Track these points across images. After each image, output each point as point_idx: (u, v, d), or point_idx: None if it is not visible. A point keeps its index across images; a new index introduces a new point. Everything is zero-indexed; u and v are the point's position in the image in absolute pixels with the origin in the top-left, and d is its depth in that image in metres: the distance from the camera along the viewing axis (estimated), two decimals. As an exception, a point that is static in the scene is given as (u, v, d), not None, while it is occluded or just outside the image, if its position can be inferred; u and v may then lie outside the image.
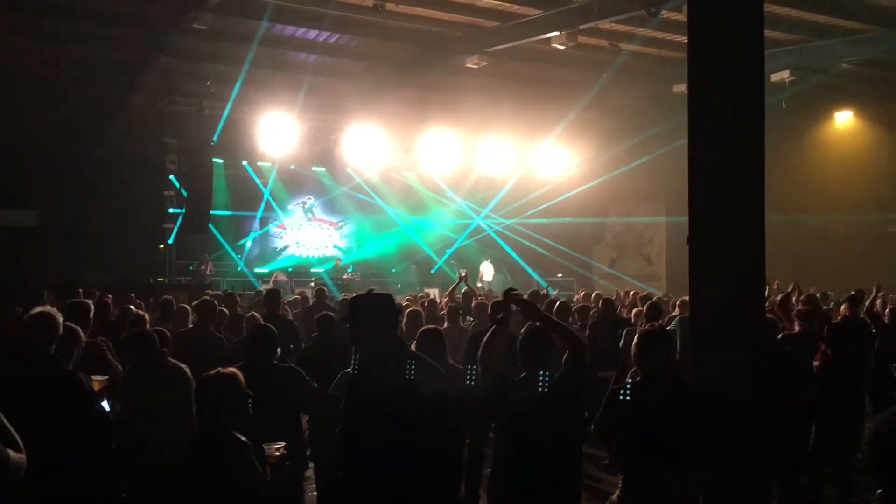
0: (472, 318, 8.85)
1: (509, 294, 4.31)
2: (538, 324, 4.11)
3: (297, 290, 18.75)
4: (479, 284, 20.11)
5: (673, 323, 8.51)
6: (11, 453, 2.84)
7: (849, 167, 19.78)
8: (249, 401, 3.47)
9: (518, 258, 24.04)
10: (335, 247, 24.86)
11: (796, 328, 6.89)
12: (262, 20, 14.84)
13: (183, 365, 5.23)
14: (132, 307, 8.38)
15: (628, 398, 3.97)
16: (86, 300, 6.63)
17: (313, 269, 23.19)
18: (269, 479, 3.49)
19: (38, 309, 4.39)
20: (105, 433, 4.36)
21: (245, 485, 3.30)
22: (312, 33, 16.04)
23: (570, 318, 8.69)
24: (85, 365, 4.71)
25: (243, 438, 3.39)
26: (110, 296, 11.11)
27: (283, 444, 3.65)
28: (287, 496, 3.88)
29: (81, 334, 4.78)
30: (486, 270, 22.13)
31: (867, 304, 9.01)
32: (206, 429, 3.44)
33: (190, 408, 3.91)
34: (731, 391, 4.17)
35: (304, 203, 24.67)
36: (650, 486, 3.81)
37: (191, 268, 20.65)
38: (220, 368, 3.53)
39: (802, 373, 5.86)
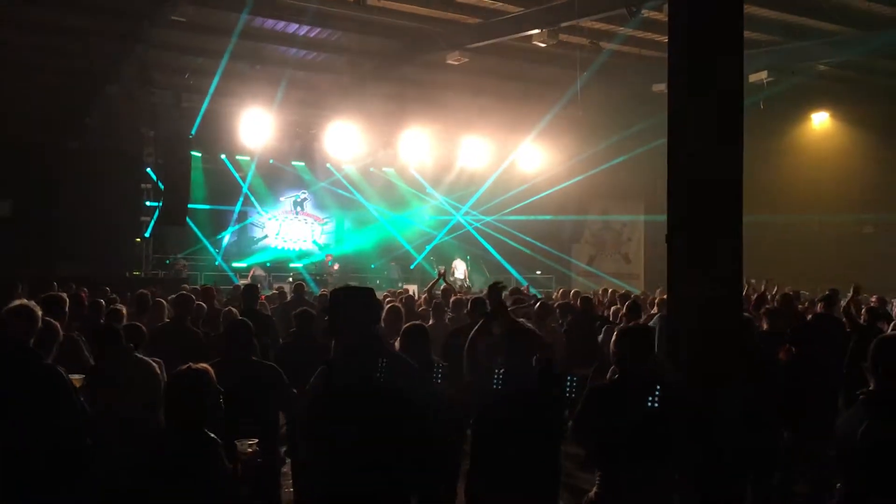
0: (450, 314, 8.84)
1: (496, 287, 4.32)
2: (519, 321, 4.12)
3: (276, 286, 18.66)
4: (451, 279, 20.13)
5: (653, 320, 8.55)
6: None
7: (825, 168, 20.01)
8: (220, 397, 3.44)
9: (497, 255, 24.08)
10: (314, 242, 24.74)
11: (764, 326, 6.95)
12: (243, 13, 14.74)
13: (153, 361, 5.18)
14: (102, 301, 8.27)
15: (606, 397, 3.99)
16: (61, 293, 6.55)
17: (292, 265, 23.07)
18: (241, 477, 3.45)
19: (17, 302, 4.34)
20: (84, 429, 4.31)
21: (213, 483, 3.26)
22: (293, 27, 15.95)
23: (550, 318, 8.72)
24: (60, 360, 4.65)
25: (213, 435, 3.35)
26: (85, 289, 10.99)
27: (255, 440, 3.61)
28: (258, 494, 3.84)
29: (59, 329, 4.73)
30: (459, 267, 22.14)
31: (844, 304, 9.11)
32: (175, 425, 3.40)
33: (157, 405, 3.88)
34: (708, 389, 4.20)
35: (297, 196, 24.57)
36: (627, 485, 3.83)
37: (168, 262, 20.49)
38: (190, 364, 3.50)
39: (773, 370, 5.92)
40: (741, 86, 4.45)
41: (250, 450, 3.54)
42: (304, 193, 24.57)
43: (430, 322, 8.01)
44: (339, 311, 3.72)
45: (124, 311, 7.17)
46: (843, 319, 8.24)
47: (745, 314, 6.46)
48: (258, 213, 23.87)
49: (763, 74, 16.53)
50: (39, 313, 4.25)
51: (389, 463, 3.43)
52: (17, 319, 4.14)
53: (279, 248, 23.98)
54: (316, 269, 22.15)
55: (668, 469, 3.87)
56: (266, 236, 24.09)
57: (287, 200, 24.50)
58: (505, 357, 4.16)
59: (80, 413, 4.26)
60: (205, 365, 3.52)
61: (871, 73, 17.57)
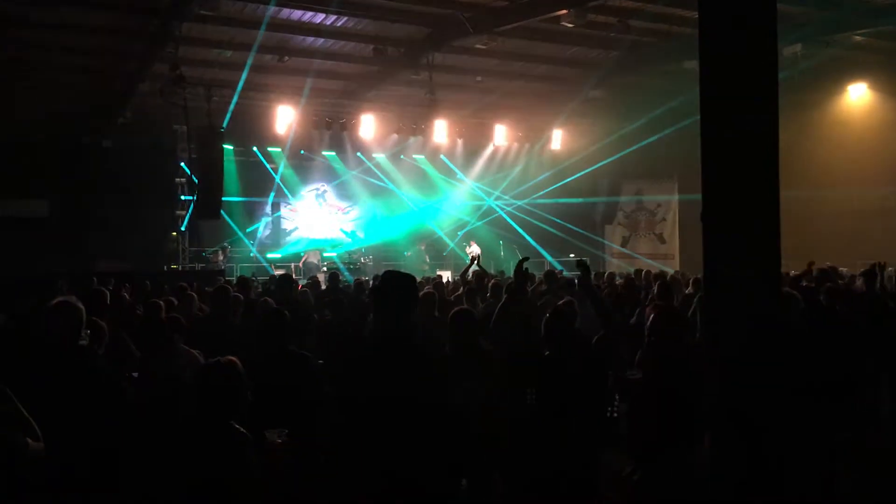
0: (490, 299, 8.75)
1: (522, 263, 4.31)
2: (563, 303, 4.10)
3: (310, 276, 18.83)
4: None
5: (694, 302, 8.37)
6: (30, 441, 2.86)
7: (864, 141, 19.57)
8: (249, 390, 3.42)
9: (530, 239, 24.02)
10: (342, 231, 24.84)
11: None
12: (269, 4, 14.79)
13: (195, 352, 5.25)
14: (148, 295, 8.40)
15: (639, 382, 3.96)
16: (102, 288, 6.65)
17: (325, 254, 23.19)
18: (271, 468, 3.44)
19: (60, 298, 4.36)
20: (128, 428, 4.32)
21: (239, 478, 3.24)
22: (319, 17, 15.96)
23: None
24: (108, 356, 4.72)
25: (241, 429, 3.34)
26: (127, 284, 11.11)
27: (286, 430, 3.60)
28: (293, 484, 3.83)
29: (105, 326, 4.79)
30: (474, 251, 22.12)
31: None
32: (204, 418, 3.41)
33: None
34: (745, 370, 4.14)
35: (318, 189, 24.66)
36: (663, 467, 3.81)
37: (204, 254, 20.73)
38: (219, 357, 3.49)
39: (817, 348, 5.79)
40: (776, 58, 4.35)
41: (280, 440, 3.53)
42: (324, 185, 24.64)
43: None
44: (385, 292, 3.72)
45: (163, 304, 7.26)
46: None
47: (787, 290, 6.36)
48: (288, 204, 24.05)
49: (798, 47, 16.19)
50: (83, 309, 4.24)
51: (417, 453, 3.41)
52: (62, 316, 4.09)
53: (311, 238, 24.10)
54: (349, 258, 22.26)
55: (700, 454, 3.83)
56: (297, 228, 24.25)
57: (308, 194, 24.62)
58: (545, 339, 4.14)
59: (127, 411, 4.25)
60: (231, 357, 3.51)
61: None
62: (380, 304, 3.72)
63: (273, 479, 3.45)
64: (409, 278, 3.86)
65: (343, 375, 3.70)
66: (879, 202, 20.46)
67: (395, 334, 3.57)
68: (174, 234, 20.38)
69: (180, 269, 19.36)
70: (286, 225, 24.22)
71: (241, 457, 3.29)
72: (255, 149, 22.03)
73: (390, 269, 4.39)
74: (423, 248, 24.16)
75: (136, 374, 5.10)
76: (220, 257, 20.51)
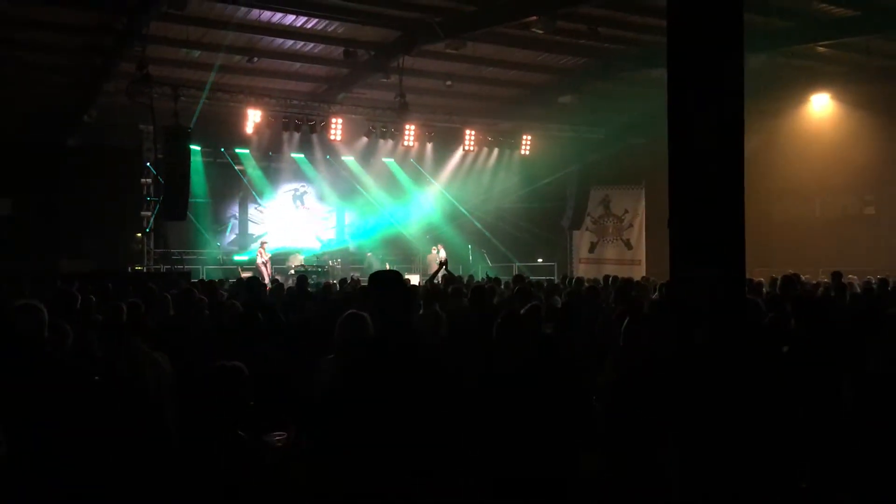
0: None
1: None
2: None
3: (275, 277, 18.73)
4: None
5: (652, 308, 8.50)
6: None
7: (826, 150, 19.94)
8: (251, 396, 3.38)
9: (498, 243, 24.14)
10: (317, 238, 24.62)
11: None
12: (240, 5, 14.69)
13: (159, 354, 5.19)
14: (109, 298, 8.28)
15: (613, 388, 4.00)
16: (69, 289, 6.55)
17: (296, 256, 22.93)
18: (269, 472, 3.42)
19: (24, 301, 4.31)
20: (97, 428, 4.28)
21: (246, 485, 3.22)
22: (289, 18, 15.88)
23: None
24: (73, 357, 4.65)
25: (242, 434, 3.31)
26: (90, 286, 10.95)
27: (283, 433, 3.58)
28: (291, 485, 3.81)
29: (69, 329, 4.72)
30: (442, 256, 22.15)
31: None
32: (206, 426, 3.35)
33: (165, 399, 3.82)
34: (709, 373, 4.20)
35: (297, 190, 24.46)
36: (635, 467, 3.85)
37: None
38: (223, 362, 3.44)
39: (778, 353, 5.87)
40: (742, 67, 4.43)
41: (280, 444, 3.51)
42: (304, 186, 24.45)
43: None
44: (374, 293, 3.69)
45: (125, 306, 7.16)
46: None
47: (750, 298, 6.45)
48: (258, 206, 23.82)
49: (762, 57, 16.45)
50: (45, 310, 4.21)
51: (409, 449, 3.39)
52: (26, 316, 4.09)
53: (280, 242, 23.69)
54: (318, 262, 22.09)
55: (672, 455, 3.87)
56: (266, 233, 23.96)
57: (286, 194, 24.39)
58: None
59: (94, 410, 4.21)
60: (237, 363, 3.47)
61: (869, 55, 17.47)
62: (380, 305, 3.67)
63: (272, 482, 3.43)
64: (398, 275, 3.83)
65: (344, 378, 3.64)
66: (841, 211, 20.90)
67: (397, 336, 3.54)
68: (139, 234, 20.11)
69: (145, 270, 19.11)
70: (253, 229, 23.92)
71: (247, 463, 3.26)
72: (222, 150, 21.83)
73: (357, 272, 4.36)
74: (394, 253, 24.13)
75: (97, 378, 5.02)
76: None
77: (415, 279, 17.93)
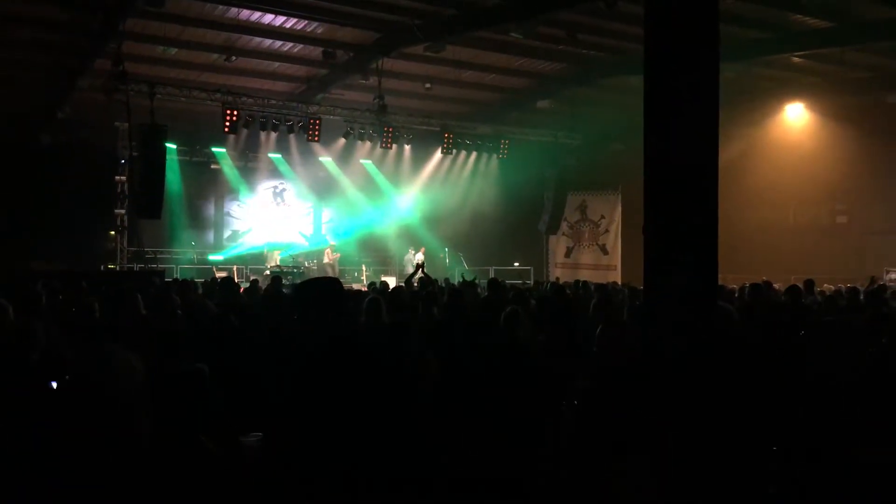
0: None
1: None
2: None
3: (251, 278, 18.57)
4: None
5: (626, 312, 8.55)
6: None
7: (799, 159, 20.20)
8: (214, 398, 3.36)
9: (475, 247, 24.14)
10: (301, 234, 24.54)
11: None
12: (219, 3, 14.61)
13: (130, 354, 5.12)
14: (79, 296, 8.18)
15: (582, 396, 4.00)
16: (36, 289, 6.47)
17: (278, 255, 22.79)
18: (244, 475, 3.38)
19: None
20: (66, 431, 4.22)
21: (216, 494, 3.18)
22: (268, 17, 15.80)
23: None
24: (43, 358, 4.58)
25: (206, 441, 3.28)
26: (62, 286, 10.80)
27: (259, 434, 3.54)
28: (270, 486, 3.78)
29: (38, 327, 4.66)
30: (419, 259, 22.17)
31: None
32: (169, 432, 3.30)
33: (137, 402, 3.77)
34: (684, 379, 4.23)
35: (276, 187, 24.36)
36: (603, 480, 3.85)
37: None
38: (184, 363, 3.41)
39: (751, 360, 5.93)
40: (717, 76, 4.47)
41: (256, 444, 3.48)
42: (284, 183, 24.37)
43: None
44: (303, 305, 3.53)
45: (97, 305, 7.07)
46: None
47: (722, 304, 6.51)
48: (237, 204, 23.68)
49: (737, 66, 16.62)
50: (11, 310, 4.15)
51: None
52: None
53: (259, 240, 23.50)
54: (293, 263, 21.99)
55: (643, 464, 3.88)
56: (250, 230, 23.82)
57: (266, 191, 24.28)
58: None
59: (62, 414, 4.16)
60: (201, 365, 3.42)
61: (843, 66, 17.72)
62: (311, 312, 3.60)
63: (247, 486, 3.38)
64: (328, 281, 3.75)
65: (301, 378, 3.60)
66: (814, 219, 21.18)
67: (340, 338, 3.50)
68: (112, 233, 19.89)
69: (118, 269, 18.90)
70: (238, 226, 23.78)
71: (215, 471, 3.20)
72: (198, 148, 21.67)
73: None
74: (373, 254, 24.12)
75: (66, 379, 4.95)
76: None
77: (391, 280, 17.90)
